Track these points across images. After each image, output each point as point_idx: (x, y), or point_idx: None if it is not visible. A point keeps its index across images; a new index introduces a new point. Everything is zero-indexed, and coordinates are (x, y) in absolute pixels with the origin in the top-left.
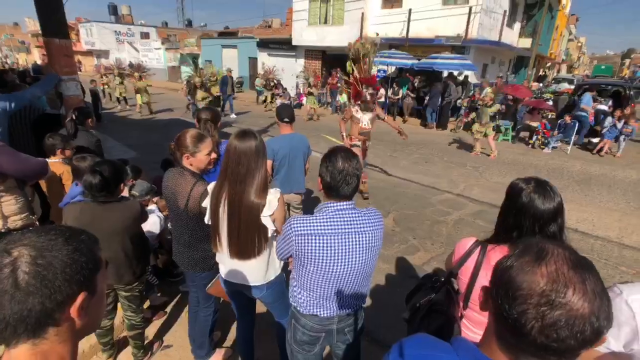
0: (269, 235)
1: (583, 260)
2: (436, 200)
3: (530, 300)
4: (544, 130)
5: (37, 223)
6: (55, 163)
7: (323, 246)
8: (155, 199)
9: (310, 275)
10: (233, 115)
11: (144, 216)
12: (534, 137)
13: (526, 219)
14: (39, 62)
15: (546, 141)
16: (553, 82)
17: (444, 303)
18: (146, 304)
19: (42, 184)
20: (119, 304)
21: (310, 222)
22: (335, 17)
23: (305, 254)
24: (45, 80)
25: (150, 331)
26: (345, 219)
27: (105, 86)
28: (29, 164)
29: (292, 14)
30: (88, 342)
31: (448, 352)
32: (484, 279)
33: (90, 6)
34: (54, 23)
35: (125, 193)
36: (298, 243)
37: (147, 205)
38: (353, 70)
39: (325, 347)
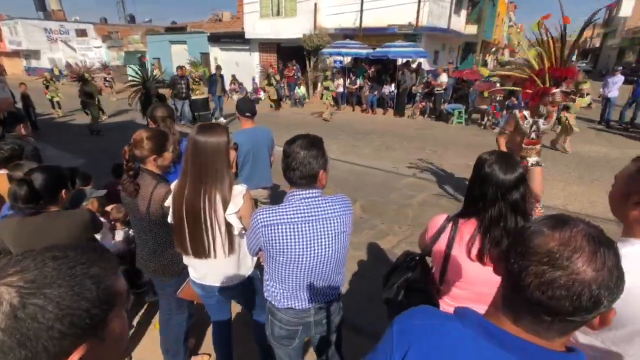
0: (236, 233)
1: (604, 237)
2: (400, 184)
3: (534, 257)
4: (494, 112)
5: None
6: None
7: (291, 235)
8: (108, 208)
9: (282, 266)
10: (222, 119)
11: (96, 225)
12: (485, 119)
13: (489, 188)
14: None
15: (496, 122)
16: (498, 65)
17: (421, 280)
18: None
19: None
20: None
21: (276, 212)
22: (287, 8)
23: (274, 245)
24: None
25: None
26: (312, 207)
27: (54, 94)
28: None
29: (242, 7)
30: None
31: (452, 320)
32: (458, 252)
33: (11, 1)
34: None
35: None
36: (265, 234)
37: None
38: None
39: (304, 340)
